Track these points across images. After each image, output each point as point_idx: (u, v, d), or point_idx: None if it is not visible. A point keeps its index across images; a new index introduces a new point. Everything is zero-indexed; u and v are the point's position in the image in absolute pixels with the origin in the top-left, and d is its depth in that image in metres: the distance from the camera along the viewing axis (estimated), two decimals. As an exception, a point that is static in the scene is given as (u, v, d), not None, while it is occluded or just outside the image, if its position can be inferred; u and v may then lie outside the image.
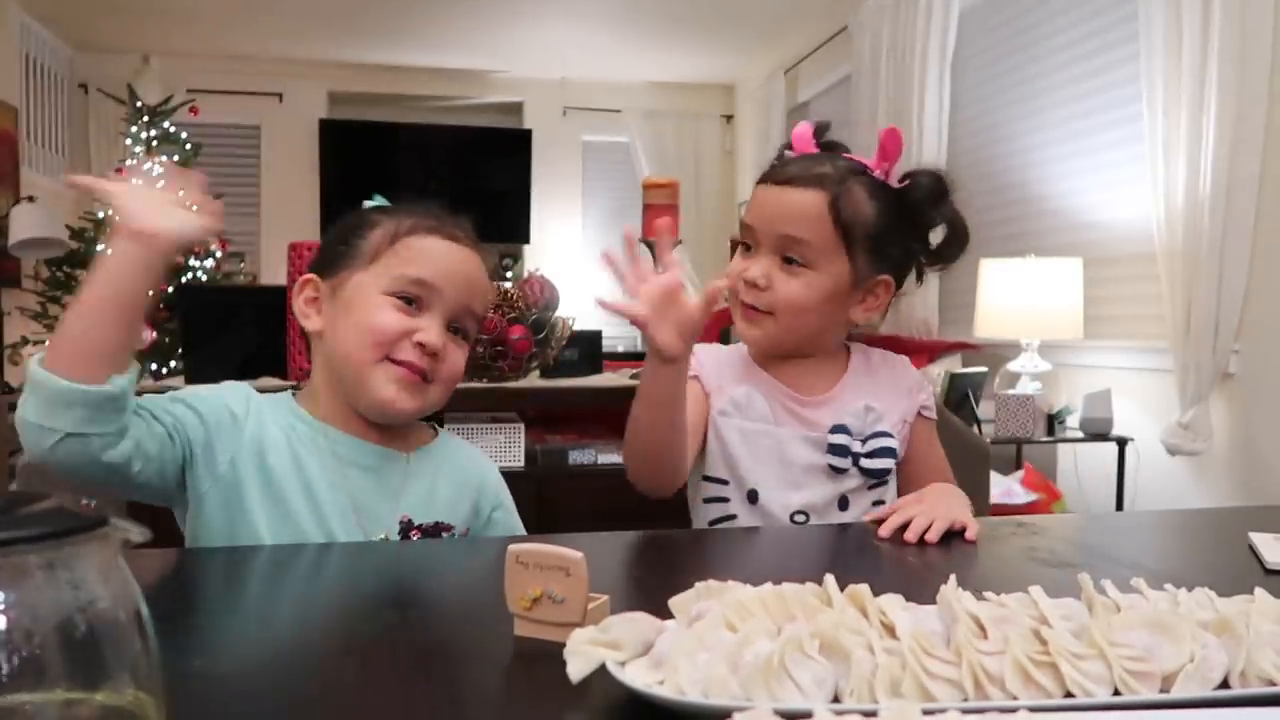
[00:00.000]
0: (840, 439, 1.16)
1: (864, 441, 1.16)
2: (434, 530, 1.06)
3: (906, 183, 1.17)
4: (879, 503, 1.18)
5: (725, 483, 1.18)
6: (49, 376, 0.86)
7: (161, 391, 1.01)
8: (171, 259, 0.94)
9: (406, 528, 1.05)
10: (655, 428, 1.06)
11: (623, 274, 1.01)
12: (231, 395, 1.05)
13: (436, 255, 1.06)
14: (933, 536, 0.98)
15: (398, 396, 1.03)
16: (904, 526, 1.00)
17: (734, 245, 2.42)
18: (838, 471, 1.16)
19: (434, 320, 1.04)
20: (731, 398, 1.18)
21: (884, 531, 1.01)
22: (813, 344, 1.20)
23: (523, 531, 1.16)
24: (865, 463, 1.16)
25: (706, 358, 1.22)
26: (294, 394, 1.10)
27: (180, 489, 1.00)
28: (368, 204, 1.14)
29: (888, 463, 1.17)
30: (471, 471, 1.14)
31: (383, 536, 1.03)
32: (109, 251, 0.89)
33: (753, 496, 1.17)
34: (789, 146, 1.22)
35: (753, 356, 1.23)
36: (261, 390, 1.10)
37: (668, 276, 1.01)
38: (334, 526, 1.01)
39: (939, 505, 1.03)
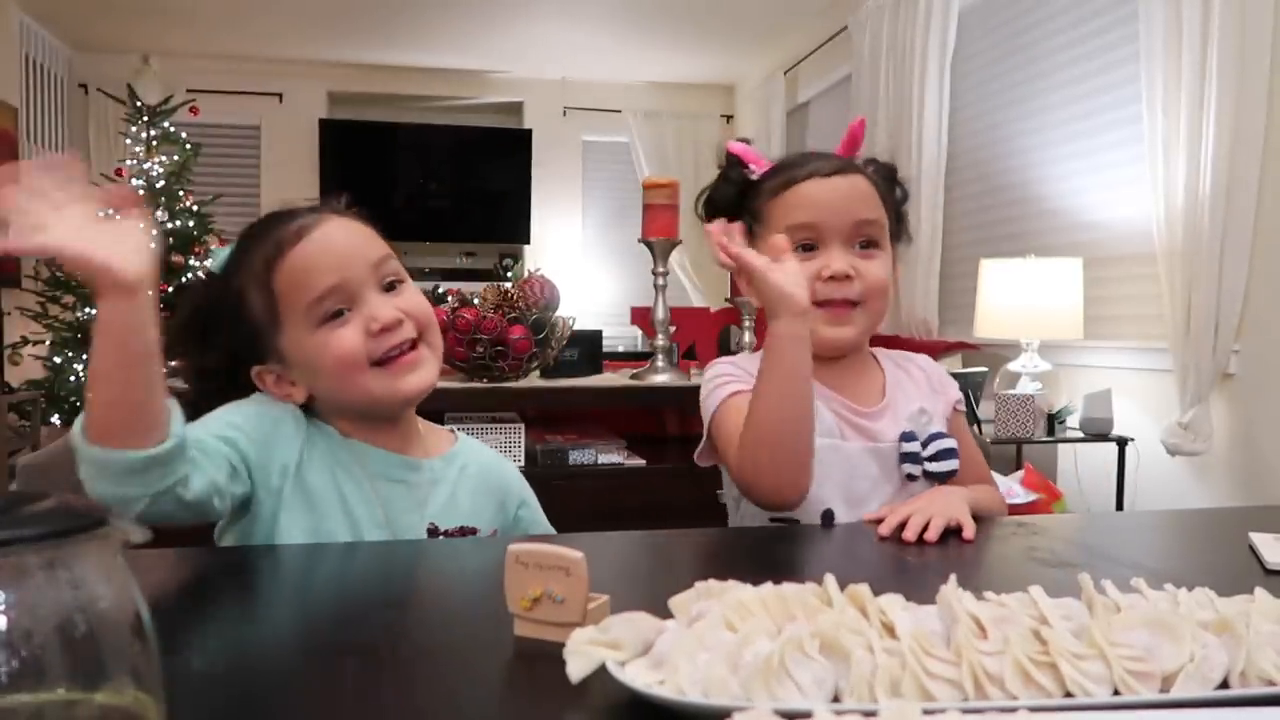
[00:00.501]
0: (912, 446, 1.13)
1: (925, 445, 1.13)
2: (459, 534, 1.06)
3: (873, 163, 1.22)
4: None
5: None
6: (101, 452, 0.81)
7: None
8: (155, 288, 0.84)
9: (433, 534, 1.04)
10: (793, 400, 1.02)
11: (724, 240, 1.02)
12: (269, 404, 1.02)
13: (312, 259, 0.99)
14: (931, 535, 0.98)
15: (405, 383, 1.01)
16: (902, 526, 1.00)
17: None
18: (910, 480, 1.13)
19: (370, 302, 1.00)
20: None
21: (883, 530, 1.00)
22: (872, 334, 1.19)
23: (549, 526, 1.16)
24: (930, 466, 1.12)
25: (753, 368, 1.16)
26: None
27: (243, 508, 0.99)
28: (210, 263, 1.08)
29: (952, 464, 1.13)
30: (493, 473, 1.14)
31: None
32: (98, 315, 0.81)
33: (828, 518, 1.11)
34: (743, 165, 1.20)
35: None
36: None
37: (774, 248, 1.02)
38: (367, 539, 1.02)
39: (936, 503, 1.02)
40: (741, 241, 1.04)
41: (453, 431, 1.16)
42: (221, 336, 1.03)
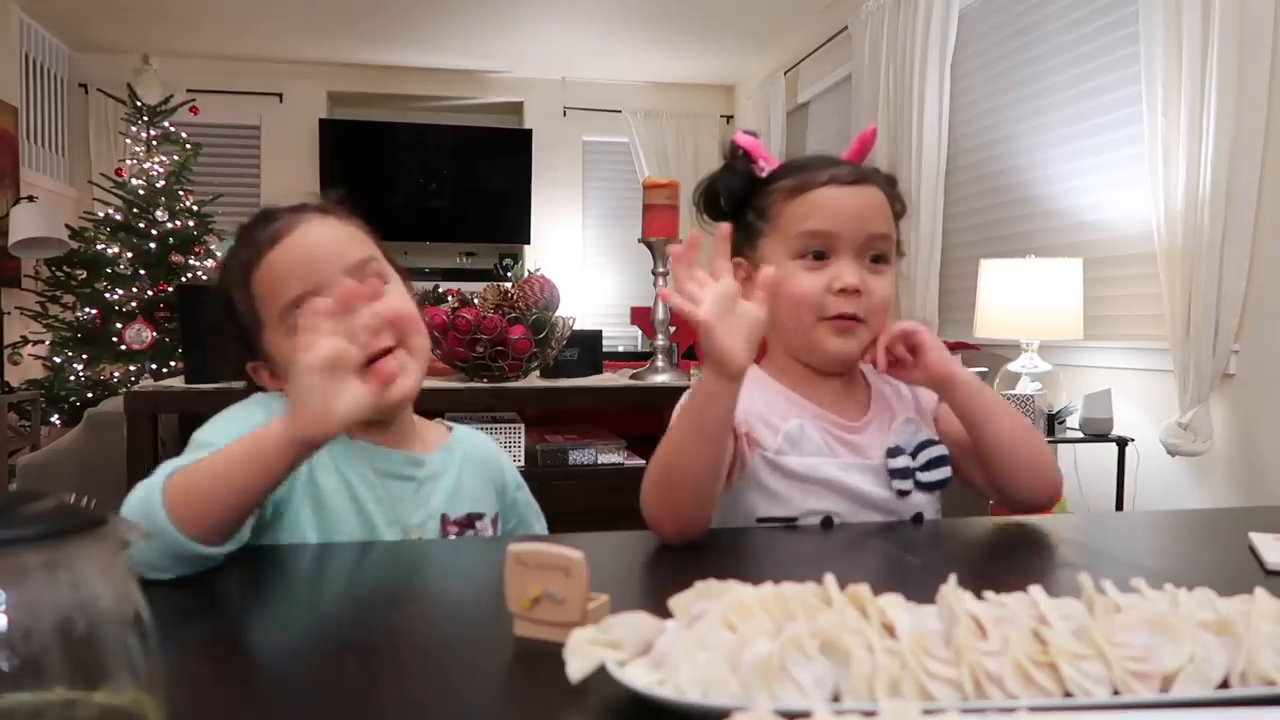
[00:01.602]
0: (900, 461, 1.11)
1: (914, 455, 1.12)
2: (467, 522, 1.07)
3: (880, 174, 1.19)
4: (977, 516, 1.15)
5: (793, 519, 1.11)
6: (184, 540, 0.79)
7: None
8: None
9: (443, 524, 1.05)
10: (703, 460, 0.95)
11: (680, 278, 0.93)
12: (274, 402, 1.00)
13: (288, 263, 0.98)
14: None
15: (378, 391, 0.96)
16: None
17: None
18: (903, 495, 1.11)
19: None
20: (786, 433, 1.09)
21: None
22: None
23: (539, 511, 1.20)
24: (921, 476, 1.12)
25: (745, 394, 1.11)
26: None
27: None
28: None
29: (945, 472, 1.12)
30: (489, 458, 1.15)
31: (417, 537, 1.03)
32: (270, 437, 0.82)
33: (828, 523, 1.10)
34: (750, 160, 1.16)
35: (779, 378, 1.15)
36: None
37: (726, 281, 0.93)
38: (382, 538, 1.01)
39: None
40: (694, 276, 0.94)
41: (447, 425, 1.16)
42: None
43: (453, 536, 1.06)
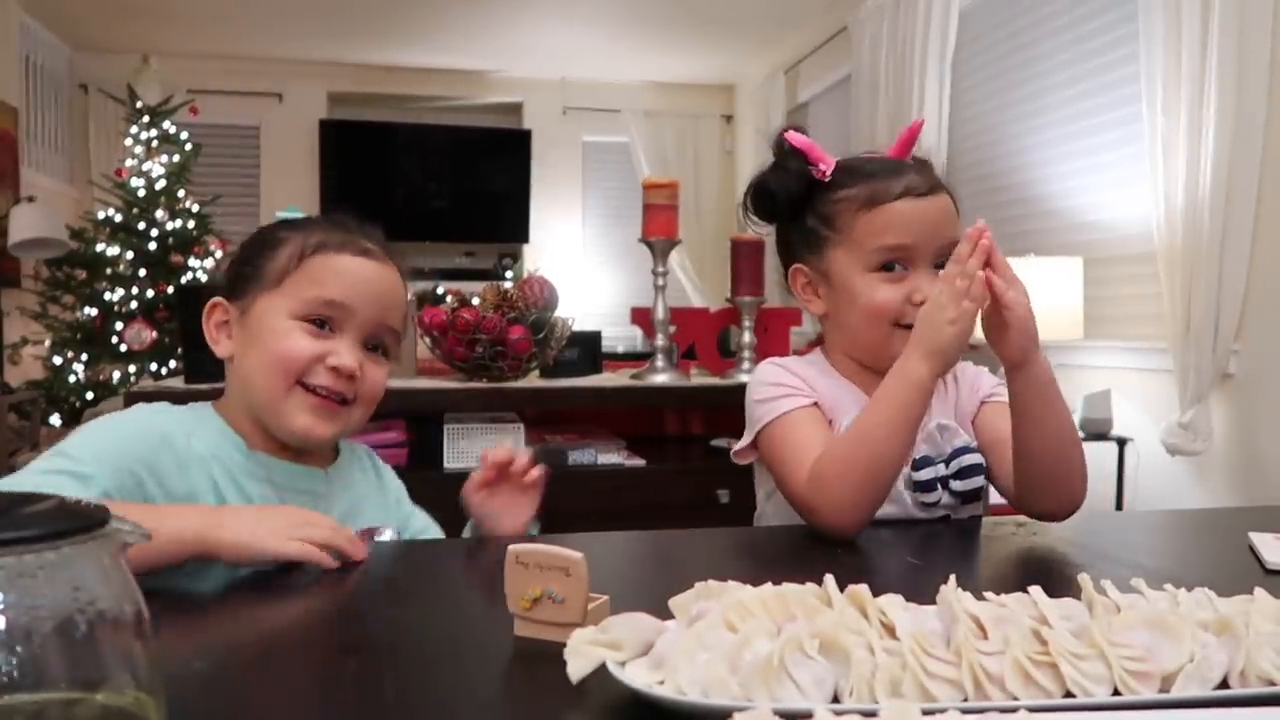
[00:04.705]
0: (926, 474, 1.09)
1: (948, 463, 1.10)
2: (369, 535, 1.04)
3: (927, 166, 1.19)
4: (974, 517, 1.14)
5: None
6: None
7: (160, 394, 0.98)
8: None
9: None
10: (907, 446, 1.02)
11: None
12: (162, 417, 0.99)
13: (347, 273, 1.01)
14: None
15: (314, 424, 0.99)
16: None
17: (737, 248, 2.41)
18: (927, 507, 1.10)
19: (347, 342, 1.01)
20: (846, 427, 1.08)
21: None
22: None
23: (429, 518, 1.16)
24: (955, 484, 1.10)
25: (816, 382, 1.13)
26: (214, 406, 1.05)
27: None
28: (281, 214, 1.11)
29: (977, 480, 1.10)
30: (371, 472, 1.14)
31: None
32: (169, 530, 0.83)
33: None
34: (806, 159, 1.12)
35: (839, 369, 1.16)
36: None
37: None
38: None
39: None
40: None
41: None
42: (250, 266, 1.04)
43: None
